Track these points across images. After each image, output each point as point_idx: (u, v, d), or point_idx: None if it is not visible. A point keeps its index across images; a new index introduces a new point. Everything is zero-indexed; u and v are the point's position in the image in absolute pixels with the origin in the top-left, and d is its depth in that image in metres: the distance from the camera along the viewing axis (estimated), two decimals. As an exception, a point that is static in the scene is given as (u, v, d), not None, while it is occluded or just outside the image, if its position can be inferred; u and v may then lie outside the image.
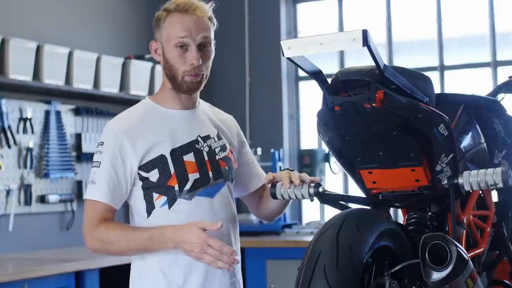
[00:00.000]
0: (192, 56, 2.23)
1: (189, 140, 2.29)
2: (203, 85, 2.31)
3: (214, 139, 2.35)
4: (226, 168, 2.34)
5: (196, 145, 2.30)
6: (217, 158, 2.32)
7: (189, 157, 2.27)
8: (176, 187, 2.24)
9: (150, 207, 2.26)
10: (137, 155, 2.23)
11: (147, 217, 2.26)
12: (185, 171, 2.25)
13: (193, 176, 2.25)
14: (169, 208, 2.24)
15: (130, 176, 2.24)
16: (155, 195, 2.25)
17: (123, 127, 2.26)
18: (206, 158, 2.29)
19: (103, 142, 2.26)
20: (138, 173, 2.25)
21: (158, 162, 2.24)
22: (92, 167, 2.27)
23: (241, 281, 2.37)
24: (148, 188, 2.25)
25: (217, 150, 2.34)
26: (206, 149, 2.31)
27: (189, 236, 2.12)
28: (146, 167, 2.24)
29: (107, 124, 2.31)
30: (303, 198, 2.21)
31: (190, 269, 2.23)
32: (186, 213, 2.23)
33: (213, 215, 2.27)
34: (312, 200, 2.22)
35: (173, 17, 2.25)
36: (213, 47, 2.30)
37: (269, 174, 2.31)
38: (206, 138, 2.33)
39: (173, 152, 2.25)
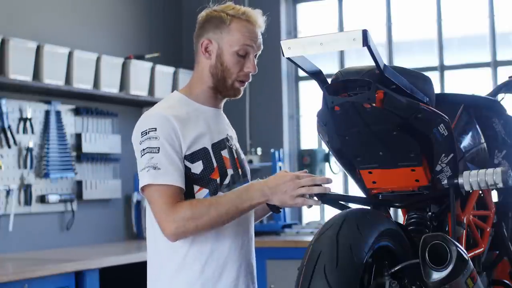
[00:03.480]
0: (251, 64, 2.32)
1: (223, 137, 2.35)
2: None
3: (236, 140, 2.43)
4: (247, 167, 2.42)
5: (227, 143, 2.36)
6: (241, 158, 2.39)
7: (225, 153, 2.32)
8: (218, 181, 2.26)
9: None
10: (185, 143, 2.23)
11: None
12: (224, 166, 2.30)
13: (230, 171, 2.31)
14: None
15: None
16: (196, 188, 2.25)
17: (171, 113, 2.24)
18: (235, 155, 2.36)
19: (155, 128, 2.21)
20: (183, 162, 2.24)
21: (202, 154, 2.26)
22: (146, 153, 2.19)
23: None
24: (189, 181, 2.24)
25: (239, 150, 2.41)
26: (234, 147, 2.38)
27: (278, 178, 2.15)
28: (191, 157, 2.24)
29: (150, 112, 2.27)
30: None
31: (226, 263, 2.26)
32: None
33: None
34: (312, 200, 2.22)
35: (240, 23, 2.31)
36: None
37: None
38: (231, 138, 2.40)
39: (213, 146, 2.30)
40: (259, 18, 2.35)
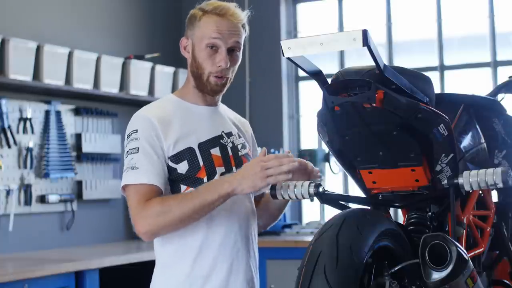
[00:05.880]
0: (221, 58, 2.29)
1: (214, 135, 2.34)
2: (226, 88, 2.37)
3: (236, 137, 2.41)
4: None
5: (221, 140, 2.35)
6: (239, 154, 2.38)
7: (215, 151, 2.32)
8: (205, 180, 2.27)
9: None
10: (168, 144, 2.25)
11: None
12: (212, 164, 2.30)
13: (219, 170, 2.30)
14: None
15: (166, 161, 2.26)
16: (183, 187, 2.27)
17: (154, 115, 2.28)
18: (230, 153, 2.35)
19: (136, 130, 2.26)
20: (167, 164, 2.26)
21: (187, 154, 2.27)
22: (128, 154, 2.25)
23: (257, 276, 2.40)
24: (176, 180, 2.27)
25: (239, 146, 2.40)
26: (230, 144, 2.37)
27: (244, 166, 2.16)
28: (175, 158, 2.26)
29: (135, 114, 2.31)
30: (303, 198, 2.21)
31: (215, 261, 2.26)
32: None
33: (236, 208, 2.30)
34: (312, 200, 2.22)
35: (209, 18, 2.30)
36: (240, 53, 2.35)
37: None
38: (229, 134, 2.39)
39: (200, 145, 2.30)
40: (230, 10, 2.31)
